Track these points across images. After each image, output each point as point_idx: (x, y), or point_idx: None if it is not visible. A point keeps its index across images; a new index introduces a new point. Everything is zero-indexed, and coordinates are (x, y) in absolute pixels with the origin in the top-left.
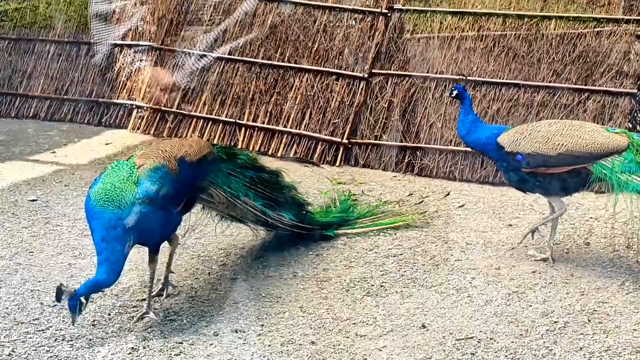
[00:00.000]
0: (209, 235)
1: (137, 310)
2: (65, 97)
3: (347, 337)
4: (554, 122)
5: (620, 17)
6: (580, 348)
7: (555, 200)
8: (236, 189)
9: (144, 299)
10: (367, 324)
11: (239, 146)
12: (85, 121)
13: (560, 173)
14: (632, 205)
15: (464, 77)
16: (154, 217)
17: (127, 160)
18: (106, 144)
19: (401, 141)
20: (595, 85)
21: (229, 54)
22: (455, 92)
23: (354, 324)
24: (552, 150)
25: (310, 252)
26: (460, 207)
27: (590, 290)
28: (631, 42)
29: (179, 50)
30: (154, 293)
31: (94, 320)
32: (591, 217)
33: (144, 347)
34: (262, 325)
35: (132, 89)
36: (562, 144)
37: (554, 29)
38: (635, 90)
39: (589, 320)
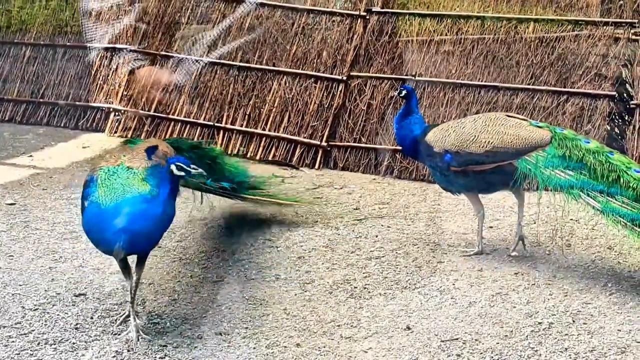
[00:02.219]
0: (189, 239)
1: (120, 314)
2: (41, 100)
3: (332, 339)
4: (477, 117)
5: (598, 20)
6: (566, 349)
7: (474, 200)
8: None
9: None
10: (351, 326)
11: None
12: (62, 125)
13: (486, 170)
14: (556, 200)
15: (414, 78)
16: (169, 211)
17: (117, 167)
18: (83, 148)
19: (380, 144)
20: (574, 88)
21: (207, 56)
22: (404, 92)
23: (338, 326)
24: (479, 147)
25: (292, 255)
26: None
27: (574, 292)
28: (609, 44)
29: (157, 53)
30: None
31: (77, 324)
32: (571, 219)
33: (128, 351)
34: (247, 328)
35: (109, 92)
36: (489, 141)
37: (533, 32)
38: (614, 93)
39: (574, 321)
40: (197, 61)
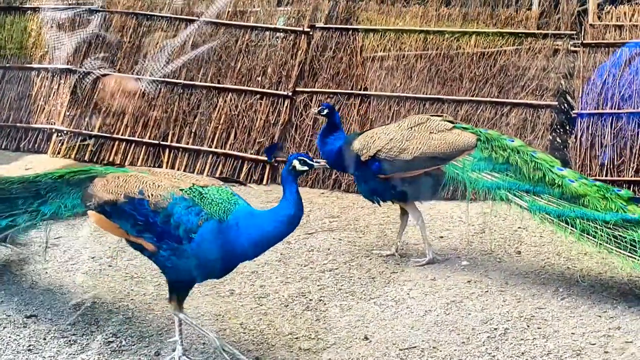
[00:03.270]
0: (140, 257)
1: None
2: None
3: (291, 352)
4: (402, 122)
5: (537, 32)
6: (522, 353)
7: (411, 207)
8: None
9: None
10: (309, 338)
11: (164, 167)
12: (3, 147)
13: (415, 177)
14: (485, 201)
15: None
16: (299, 211)
17: (190, 188)
18: (26, 169)
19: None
20: (517, 99)
21: (151, 75)
22: (325, 111)
23: (296, 338)
24: (407, 154)
25: (245, 270)
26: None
27: (527, 297)
28: (549, 56)
29: (100, 73)
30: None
31: (29, 346)
32: (519, 227)
33: None
34: (204, 343)
35: (51, 112)
36: (416, 148)
37: (475, 45)
38: (556, 103)
39: (528, 326)
40: (139, 80)
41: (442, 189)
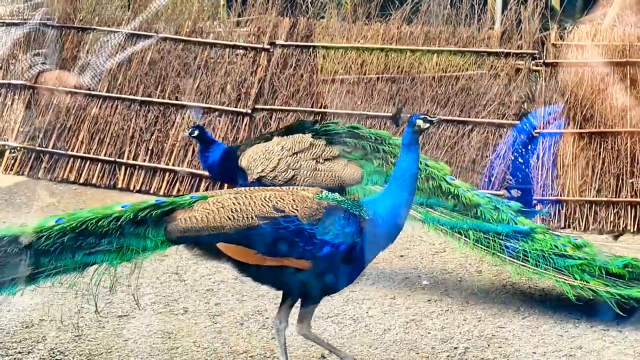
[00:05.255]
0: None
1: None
2: None
3: None
4: (284, 144)
5: (499, 51)
6: None
7: None
8: None
9: None
10: (265, 356)
11: (119, 185)
12: None
13: None
14: None
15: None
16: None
17: (326, 195)
18: None
19: None
20: (479, 118)
21: (107, 91)
22: (196, 132)
23: (251, 357)
24: (293, 182)
25: (200, 287)
26: None
27: (487, 316)
28: (511, 75)
29: (54, 88)
30: None
31: None
32: None
33: None
34: None
35: (3, 128)
36: (303, 178)
37: (436, 64)
38: (517, 122)
39: (489, 345)
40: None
41: None
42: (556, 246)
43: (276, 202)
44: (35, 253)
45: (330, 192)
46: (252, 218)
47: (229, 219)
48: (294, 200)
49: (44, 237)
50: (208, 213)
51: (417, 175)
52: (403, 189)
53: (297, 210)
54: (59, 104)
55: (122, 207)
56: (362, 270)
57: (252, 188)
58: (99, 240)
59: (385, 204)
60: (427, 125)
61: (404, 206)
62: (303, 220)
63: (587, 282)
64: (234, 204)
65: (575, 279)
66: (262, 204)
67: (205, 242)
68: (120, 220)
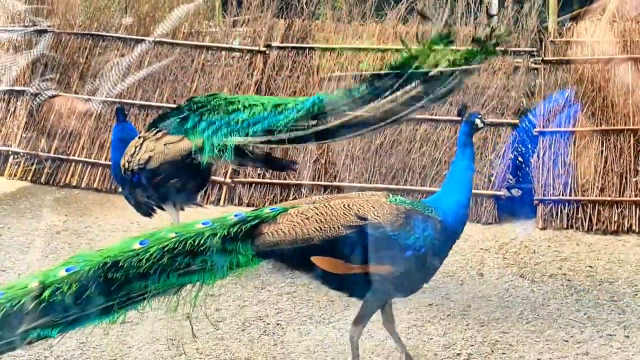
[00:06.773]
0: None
1: None
2: None
3: None
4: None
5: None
6: None
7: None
8: None
9: None
10: None
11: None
12: None
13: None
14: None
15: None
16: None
17: (396, 199)
18: None
19: (285, 179)
20: None
21: (106, 95)
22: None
23: None
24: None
25: (200, 292)
26: None
27: (490, 321)
28: (509, 73)
29: (56, 94)
30: None
31: None
32: (481, 249)
33: None
34: None
35: (7, 135)
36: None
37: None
38: (517, 121)
39: (492, 351)
40: (95, 101)
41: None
42: None
43: (357, 210)
44: (133, 277)
45: (397, 195)
46: (338, 228)
47: (317, 230)
48: (373, 207)
49: (143, 259)
50: (294, 226)
51: (474, 173)
52: (464, 187)
53: (380, 217)
54: (60, 109)
55: (202, 224)
56: (437, 270)
57: (325, 197)
58: (192, 259)
59: (450, 204)
60: (482, 125)
61: (467, 204)
62: (386, 226)
63: None
64: (317, 214)
65: None
66: (344, 213)
67: (297, 255)
68: (216, 238)
